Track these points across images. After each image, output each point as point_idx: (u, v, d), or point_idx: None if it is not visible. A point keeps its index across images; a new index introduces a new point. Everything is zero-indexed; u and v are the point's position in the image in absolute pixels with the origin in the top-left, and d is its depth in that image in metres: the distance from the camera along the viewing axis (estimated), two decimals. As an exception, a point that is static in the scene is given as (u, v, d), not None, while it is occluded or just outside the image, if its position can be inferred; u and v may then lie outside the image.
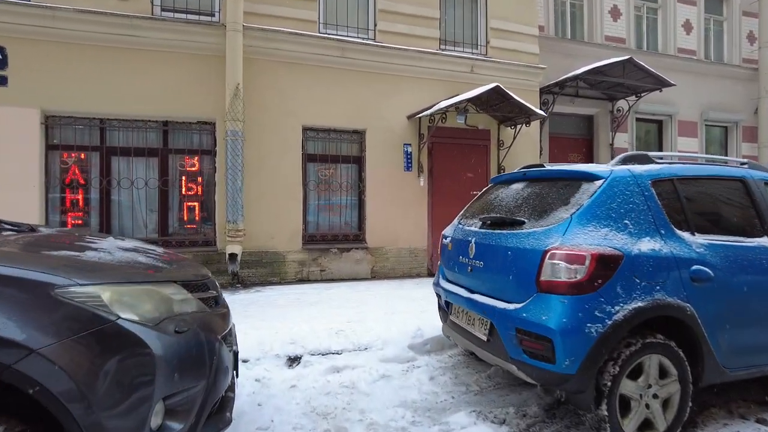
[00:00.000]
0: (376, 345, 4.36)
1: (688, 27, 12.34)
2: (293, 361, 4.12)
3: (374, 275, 8.22)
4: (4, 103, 6.66)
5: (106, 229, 7.21)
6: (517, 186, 3.58)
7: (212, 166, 7.63)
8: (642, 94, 10.62)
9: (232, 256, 7.19)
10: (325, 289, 7.09)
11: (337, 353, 4.25)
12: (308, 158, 8.05)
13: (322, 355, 4.20)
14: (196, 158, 7.62)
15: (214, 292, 2.72)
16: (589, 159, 11.41)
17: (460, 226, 3.87)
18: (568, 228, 2.89)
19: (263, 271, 7.64)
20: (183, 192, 7.57)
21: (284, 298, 6.38)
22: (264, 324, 4.93)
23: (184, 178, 7.57)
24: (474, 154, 8.86)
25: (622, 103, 11.21)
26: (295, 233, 7.79)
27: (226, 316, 2.77)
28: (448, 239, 3.94)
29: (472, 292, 3.43)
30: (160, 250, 2.99)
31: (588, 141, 11.52)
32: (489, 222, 3.46)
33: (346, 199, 8.31)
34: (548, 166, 3.59)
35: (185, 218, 7.57)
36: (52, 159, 7.08)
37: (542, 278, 2.86)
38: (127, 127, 7.29)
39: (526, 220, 3.16)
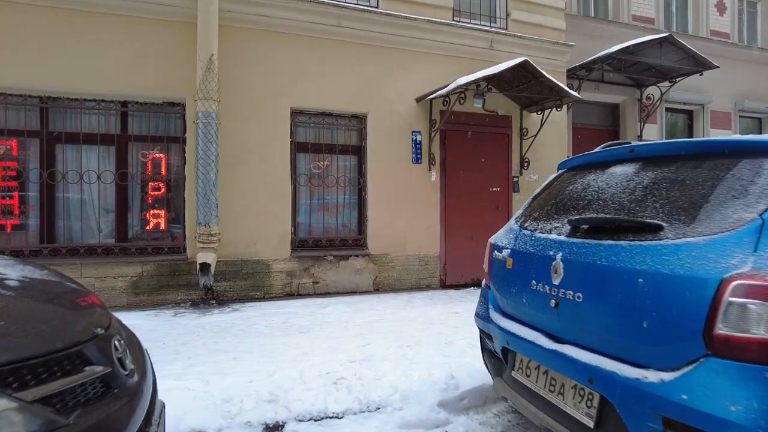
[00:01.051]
0: (392, 403, 3.03)
1: (721, 7, 11.15)
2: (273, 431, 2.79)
3: (377, 287, 6.90)
4: None
5: (48, 233, 5.83)
6: (622, 169, 2.28)
7: (181, 156, 6.28)
8: (677, 79, 9.39)
9: (204, 266, 5.84)
10: (320, 307, 5.76)
11: (337, 417, 2.92)
12: (298, 148, 6.72)
13: (315, 420, 2.88)
14: (162, 147, 6.27)
15: (103, 366, 1.40)
16: (615, 153, 10.16)
17: (527, 232, 2.56)
18: (761, 237, 1.59)
19: (243, 284, 6.29)
20: (146, 188, 6.21)
21: (267, 322, 5.04)
22: (236, 365, 3.60)
23: (146, 171, 6.22)
24: (493, 144, 7.57)
25: (652, 90, 9.98)
26: (283, 238, 6.45)
27: (131, 405, 1.45)
28: (506, 252, 2.63)
29: (560, 340, 2.13)
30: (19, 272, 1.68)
31: (613, 132, 10.28)
32: (587, 227, 2.15)
33: (344, 197, 6.99)
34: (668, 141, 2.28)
35: (148, 220, 6.21)
36: (-22, 147, 5.70)
37: (719, 330, 1.56)
38: (75, 107, 5.93)
39: (664, 224, 1.86)
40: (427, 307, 5.80)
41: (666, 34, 8.23)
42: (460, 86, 6.18)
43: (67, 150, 5.98)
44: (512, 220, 2.86)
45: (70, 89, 5.79)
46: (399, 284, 7.00)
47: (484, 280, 3.00)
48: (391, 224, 6.93)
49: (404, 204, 6.99)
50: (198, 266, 5.85)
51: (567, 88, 6.79)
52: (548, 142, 7.85)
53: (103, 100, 5.99)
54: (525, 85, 6.94)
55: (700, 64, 8.72)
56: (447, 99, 6.77)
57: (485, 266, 2.91)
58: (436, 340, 4.27)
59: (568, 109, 8.53)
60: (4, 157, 5.77)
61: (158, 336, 4.52)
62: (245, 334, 4.53)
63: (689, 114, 11.10)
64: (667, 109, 10.66)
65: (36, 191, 5.87)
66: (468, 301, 6.21)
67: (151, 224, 6.22)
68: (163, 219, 6.25)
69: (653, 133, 10.32)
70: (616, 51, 8.11)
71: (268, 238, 6.37)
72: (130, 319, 5.21)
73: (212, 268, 5.90)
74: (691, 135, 11.14)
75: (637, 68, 9.16)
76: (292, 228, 6.55)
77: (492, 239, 2.91)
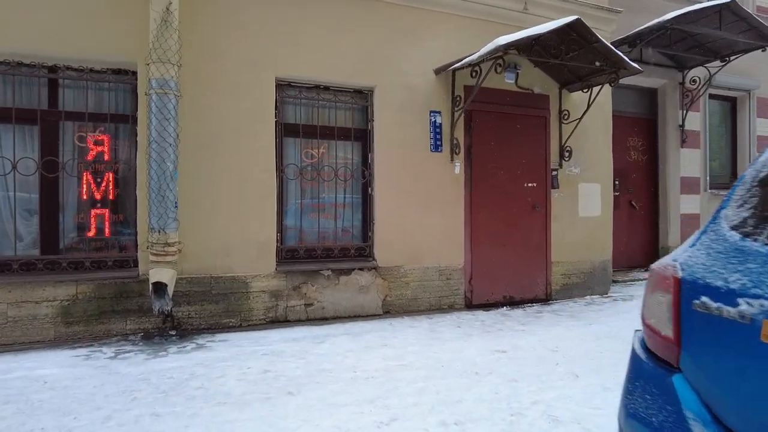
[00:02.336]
0: None
1: (768, -20, 9.83)
2: None
3: (388, 309, 5.42)
4: None
5: (-55, 242, 4.29)
6: None
7: (131, 140, 4.77)
8: (731, 57, 8.03)
9: (159, 286, 4.32)
10: (314, 342, 4.28)
11: None
12: (286, 130, 5.22)
13: None
14: (105, 127, 4.75)
15: None
16: (652, 143, 8.81)
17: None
18: None
19: (213, 308, 4.79)
20: (83, 182, 4.68)
21: (241, 371, 3.55)
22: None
23: (84, 158, 4.69)
24: (528, 129, 6.14)
25: (696, 73, 8.62)
26: (265, 247, 4.95)
27: None
28: (750, 304, 1.17)
29: None
30: None
31: (650, 121, 8.90)
32: None
33: (345, 195, 5.50)
34: None
35: (89, 225, 4.68)
36: None
37: None
38: (-17, 73, 4.40)
39: None
40: (460, 341, 4.34)
41: (726, 1, 6.86)
42: (499, 47, 4.71)
43: (-28, 130, 4.44)
44: (723, 226, 1.41)
45: (-27, 47, 4.26)
46: (414, 305, 5.53)
47: (639, 340, 1.56)
48: (403, 228, 5.46)
49: (420, 203, 5.53)
50: (151, 286, 4.34)
51: (626, 58, 5.37)
52: (592, 129, 6.45)
53: (21, 63, 4.44)
54: (574, 54, 5.51)
55: (764, 37, 7.37)
56: (476, 69, 5.32)
57: (659, 324, 1.45)
58: (494, 409, 2.82)
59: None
60: None
61: (77, 400, 3.02)
62: (205, 398, 3.03)
63: (732, 101, 9.78)
64: (710, 96, 9.32)
65: (-72, 186, 4.33)
66: (509, 330, 4.76)
67: (92, 230, 4.68)
68: (106, 223, 4.72)
69: (696, 123, 8.97)
70: (670, 19, 6.71)
71: (245, 248, 4.87)
72: (47, 363, 3.72)
73: (170, 288, 4.39)
74: (734, 126, 9.82)
75: (685, 44, 7.78)
76: (277, 234, 5.05)
77: (676, 266, 1.45)
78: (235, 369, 3.58)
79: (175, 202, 4.43)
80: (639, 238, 8.51)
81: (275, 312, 4.96)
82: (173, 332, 4.60)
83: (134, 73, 4.68)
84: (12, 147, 4.43)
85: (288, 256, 5.14)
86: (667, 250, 8.00)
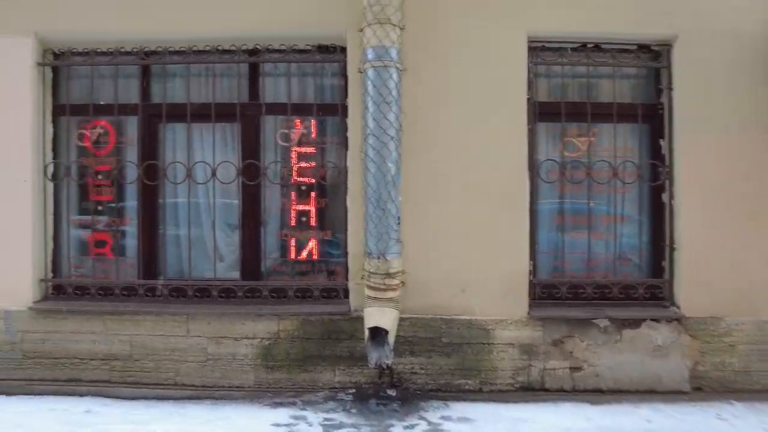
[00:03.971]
0: None
1: None
2: None
3: (699, 386, 3.46)
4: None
5: (145, 261, 3.74)
6: None
7: (340, 136, 3.72)
8: None
9: (377, 332, 3.14)
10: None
11: None
12: (541, 112, 3.64)
13: None
14: (310, 122, 3.77)
15: None
16: None
17: None
18: None
19: (443, 363, 3.46)
20: (287, 191, 3.78)
21: None
22: None
23: (287, 162, 3.77)
24: None
25: None
26: (514, 282, 3.45)
27: None
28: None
29: None
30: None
31: None
32: None
33: (624, 203, 3.71)
34: None
35: (291, 244, 3.76)
36: (62, 128, 3.84)
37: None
38: (179, 62, 3.73)
39: None
40: None
41: None
42: None
43: (170, 131, 3.83)
44: None
45: (172, 34, 3.60)
46: (745, 381, 3.47)
47: None
48: (725, 258, 3.45)
49: (758, 218, 3.46)
50: (367, 332, 3.18)
51: None
52: None
53: (219, 48, 3.67)
54: None
55: None
56: None
57: None
58: None
59: None
60: (99, 147, 3.83)
61: None
62: None
63: None
64: None
65: (133, 198, 3.83)
66: None
67: (295, 250, 3.75)
68: (312, 242, 3.75)
69: None
70: None
71: (485, 281, 3.44)
72: (241, 425, 2.76)
73: (392, 336, 3.17)
74: None
75: None
76: (531, 263, 3.51)
77: None
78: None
79: (398, 217, 3.20)
80: None
81: (527, 375, 3.44)
82: (392, 391, 3.40)
83: (343, 50, 3.60)
84: (212, 150, 3.70)
85: (544, 294, 3.56)
86: None
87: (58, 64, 3.78)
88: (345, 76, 3.59)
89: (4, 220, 3.59)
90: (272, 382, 3.51)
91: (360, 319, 3.36)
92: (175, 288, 3.66)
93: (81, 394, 3.49)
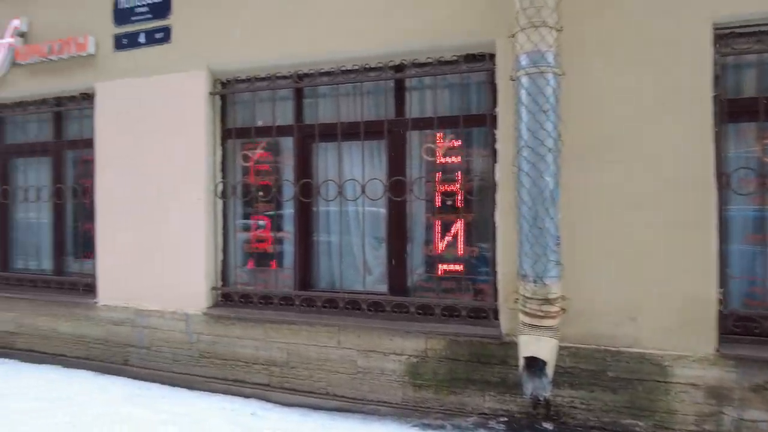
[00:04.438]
0: None
1: None
2: None
3: None
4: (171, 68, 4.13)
5: (301, 273, 3.95)
6: None
7: (488, 148, 3.54)
8: None
9: (533, 362, 2.90)
10: None
11: None
12: (729, 112, 3.07)
13: None
14: (455, 134, 3.65)
15: None
16: None
17: None
18: None
19: (608, 399, 3.09)
20: (432, 206, 3.71)
21: None
22: None
23: (431, 176, 3.70)
24: None
25: None
26: (697, 311, 2.94)
27: None
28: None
29: None
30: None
31: None
32: None
33: None
34: None
35: (437, 260, 3.68)
36: (229, 150, 4.24)
37: None
38: (328, 83, 3.86)
39: None
40: None
41: None
42: None
43: (322, 150, 3.98)
44: None
45: (322, 56, 3.74)
46: None
47: None
48: None
49: None
50: (522, 360, 2.96)
51: None
52: None
53: (366, 66, 3.72)
54: None
55: None
56: None
57: None
58: None
59: None
60: (260, 168, 4.15)
61: None
62: None
63: None
64: None
65: (290, 213, 4.07)
66: None
67: (441, 267, 3.67)
68: (459, 258, 3.63)
69: None
70: None
71: (659, 309, 2.99)
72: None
73: (550, 367, 2.91)
74: None
75: None
76: (718, 287, 2.97)
77: None
78: None
79: (557, 237, 2.92)
80: None
81: (717, 424, 2.91)
82: (549, 425, 3.13)
83: (491, 57, 3.41)
84: (360, 166, 3.78)
85: (737, 328, 3.00)
86: None
87: (226, 92, 4.16)
88: (493, 85, 3.41)
89: (184, 235, 4.06)
90: (419, 401, 3.46)
91: (512, 345, 3.16)
92: (327, 299, 3.81)
93: (246, 396, 3.80)
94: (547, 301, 2.87)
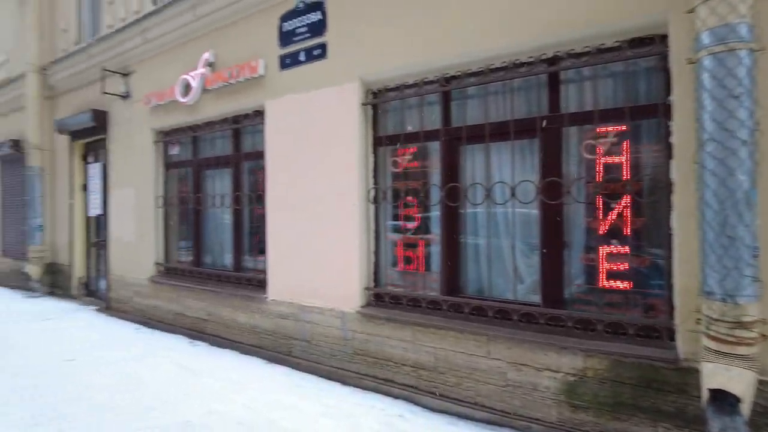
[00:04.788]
0: None
1: None
2: None
3: None
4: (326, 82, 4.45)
5: (449, 278, 3.91)
6: None
7: (660, 143, 3.08)
8: None
9: (721, 395, 2.43)
10: None
11: None
12: None
13: None
14: (620, 129, 3.25)
15: None
16: None
17: None
18: None
19: (832, 451, 2.47)
20: (593, 210, 3.37)
21: None
22: None
23: (594, 176, 3.35)
24: None
25: None
26: None
27: None
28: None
29: None
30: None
31: None
32: None
33: None
34: None
35: (599, 270, 3.32)
36: (380, 157, 4.39)
37: None
38: (475, 84, 3.74)
39: None
40: None
41: None
42: None
43: (469, 152, 3.88)
44: None
45: (469, 56, 3.64)
46: None
47: None
48: None
49: None
50: (708, 393, 2.50)
51: None
52: None
53: (516, 62, 3.52)
54: None
55: None
56: None
57: None
58: None
59: None
60: (408, 172, 4.22)
61: None
62: None
63: None
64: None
65: (437, 217, 4.06)
66: None
67: (602, 277, 3.30)
68: (626, 269, 3.22)
69: None
70: None
71: None
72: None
73: (746, 405, 2.41)
74: None
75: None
76: None
77: None
78: None
79: (754, 248, 2.41)
80: None
81: None
82: (743, 473, 2.59)
83: (662, 39, 2.96)
84: (510, 168, 3.60)
85: None
86: None
87: (377, 101, 4.31)
88: (665, 71, 2.96)
89: (341, 238, 4.31)
90: (577, 423, 3.16)
91: (691, 371, 2.70)
92: (476, 306, 3.70)
93: (394, 396, 3.88)
94: (740, 324, 2.38)
